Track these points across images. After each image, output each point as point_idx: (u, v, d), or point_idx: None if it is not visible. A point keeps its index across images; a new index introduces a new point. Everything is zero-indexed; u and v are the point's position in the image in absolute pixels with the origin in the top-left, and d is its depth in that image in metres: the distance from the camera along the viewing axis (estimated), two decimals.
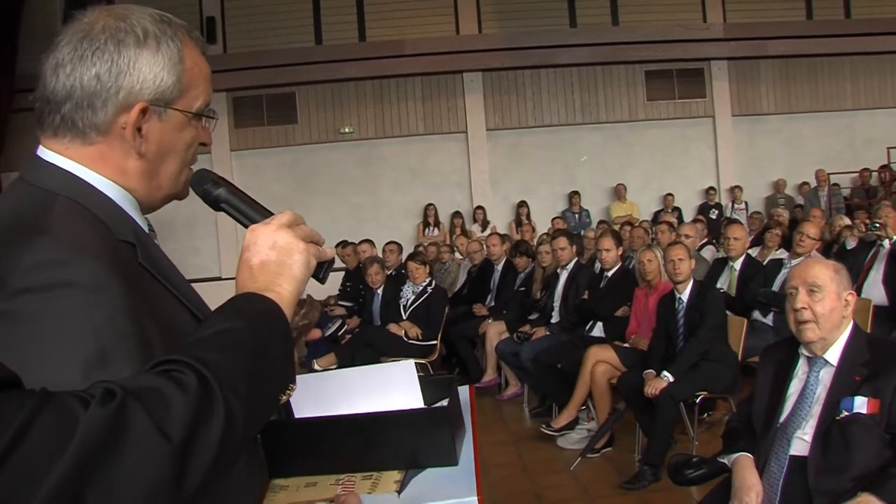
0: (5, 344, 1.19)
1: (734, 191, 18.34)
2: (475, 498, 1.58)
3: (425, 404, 1.80)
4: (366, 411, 1.73)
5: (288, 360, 1.37)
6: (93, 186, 1.43)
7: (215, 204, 1.59)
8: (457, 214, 17.84)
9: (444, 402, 1.79)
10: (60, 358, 1.20)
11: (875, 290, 8.37)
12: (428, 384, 1.89)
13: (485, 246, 11.92)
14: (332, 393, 1.77)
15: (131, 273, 1.34)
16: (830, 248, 10.16)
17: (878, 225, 8.58)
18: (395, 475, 1.67)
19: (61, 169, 1.43)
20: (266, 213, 1.56)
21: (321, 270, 1.53)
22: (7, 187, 1.45)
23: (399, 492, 1.62)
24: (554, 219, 16.62)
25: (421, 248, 13.22)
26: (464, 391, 1.91)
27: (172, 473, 1.08)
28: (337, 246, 12.21)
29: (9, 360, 1.06)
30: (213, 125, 1.60)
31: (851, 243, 9.87)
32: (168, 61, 1.46)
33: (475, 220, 17.74)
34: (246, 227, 1.53)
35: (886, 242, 8.53)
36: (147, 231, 1.53)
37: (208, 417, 1.14)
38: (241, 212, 1.58)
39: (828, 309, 3.38)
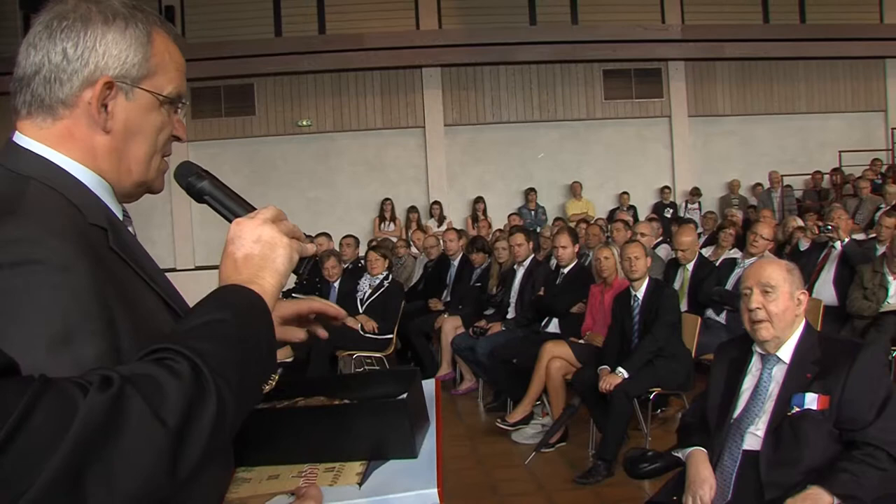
0: None
1: (693, 194, 18.50)
2: (435, 490, 1.59)
3: (391, 397, 1.83)
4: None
5: (271, 352, 1.40)
6: (66, 171, 1.45)
7: (198, 196, 1.61)
8: (412, 209, 17.84)
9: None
10: (24, 334, 1.21)
11: (826, 290, 8.53)
12: (392, 377, 1.91)
13: (441, 241, 11.92)
14: None
15: (101, 256, 1.35)
16: (783, 248, 10.31)
17: (830, 227, 8.74)
18: (357, 467, 1.68)
19: (36, 154, 1.45)
20: (249, 208, 1.59)
21: (301, 266, 1.55)
22: None
23: (360, 484, 1.64)
24: (510, 215, 16.70)
25: (375, 243, 13.18)
26: (430, 384, 1.93)
27: (168, 458, 1.11)
28: None
29: None
30: (181, 113, 1.62)
31: (804, 244, 10.03)
32: (135, 41, 1.49)
33: (431, 215, 17.77)
34: (229, 220, 1.55)
35: (838, 244, 8.69)
36: (122, 218, 1.54)
37: (201, 404, 1.16)
38: (224, 205, 1.60)
39: (781, 308, 3.45)
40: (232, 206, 1.60)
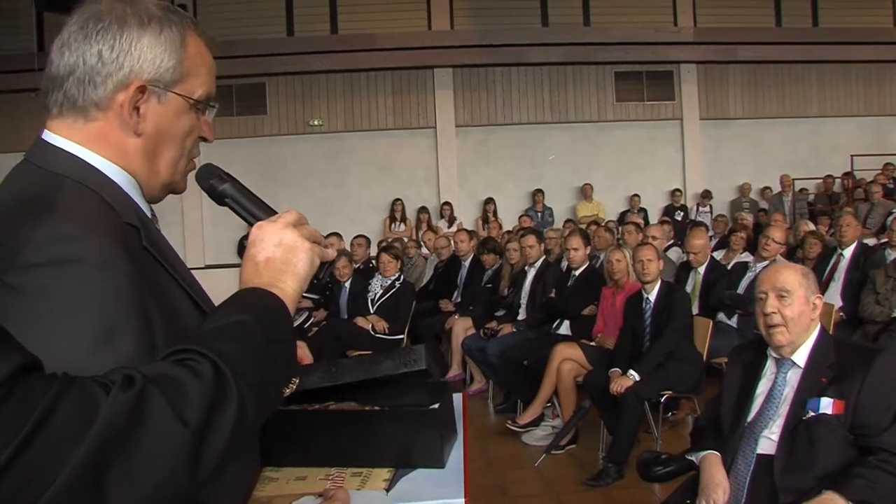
0: (16, 318, 1.20)
1: (704, 196, 18.49)
2: (462, 500, 1.61)
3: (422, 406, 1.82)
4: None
5: (291, 355, 1.41)
6: (98, 170, 1.46)
7: (220, 199, 1.62)
8: (423, 210, 17.86)
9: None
10: (69, 332, 1.23)
11: (835, 298, 8.49)
12: (424, 387, 1.91)
13: (452, 242, 11.92)
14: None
15: (135, 254, 1.37)
16: (794, 252, 10.27)
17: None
18: (385, 473, 1.69)
19: (67, 152, 1.46)
20: (270, 211, 1.59)
21: (321, 270, 1.55)
22: (13, 169, 1.47)
23: (388, 490, 1.65)
24: (521, 216, 16.72)
25: (384, 243, 13.16)
26: (457, 398, 1.93)
27: (189, 458, 1.12)
28: None
29: (20, 334, 1.08)
30: (212, 115, 1.64)
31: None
32: (170, 45, 1.50)
33: (442, 216, 17.78)
34: (250, 223, 1.56)
35: (847, 252, 8.72)
36: (150, 216, 1.56)
37: (222, 405, 1.17)
38: (246, 208, 1.61)
39: (797, 313, 3.44)
40: (253, 209, 1.60)
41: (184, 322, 1.42)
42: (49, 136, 1.48)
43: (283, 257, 1.46)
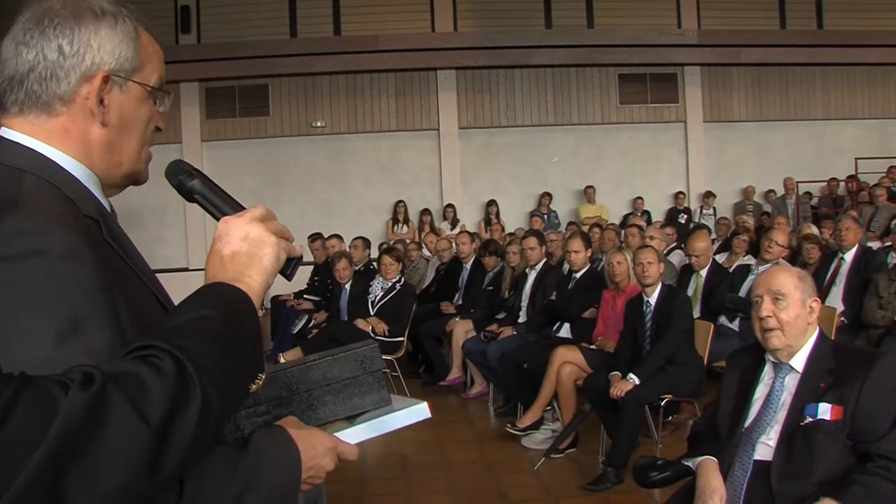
0: None
1: (707, 197, 18.47)
2: (425, 403, 1.68)
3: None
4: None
5: (257, 350, 1.40)
6: (57, 164, 1.46)
7: (189, 195, 1.62)
8: (426, 212, 17.87)
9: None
10: (34, 325, 1.22)
11: (836, 303, 8.45)
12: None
13: (454, 244, 11.90)
14: None
15: (99, 247, 1.37)
16: (797, 256, 10.23)
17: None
18: (340, 424, 1.71)
19: (26, 147, 1.46)
20: (238, 207, 1.59)
21: (289, 266, 1.56)
22: None
23: (350, 422, 1.70)
24: (532, 217, 16.74)
25: (385, 245, 13.15)
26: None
27: (151, 456, 1.10)
28: (310, 239, 12.28)
29: None
30: (168, 104, 1.65)
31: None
32: (126, 35, 1.52)
33: (445, 218, 17.78)
34: (218, 219, 1.56)
35: (848, 256, 8.67)
36: (109, 211, 1.56)
37: (185, 402, 1.15)
38: (214, 204, 1.61)
39: (792, 316, 3.40)
40: (221, 204, 1.60)
41: (147, 316, 1.41)
42: (6, 133, 1.48)
43: (248, 251, 1.47)
